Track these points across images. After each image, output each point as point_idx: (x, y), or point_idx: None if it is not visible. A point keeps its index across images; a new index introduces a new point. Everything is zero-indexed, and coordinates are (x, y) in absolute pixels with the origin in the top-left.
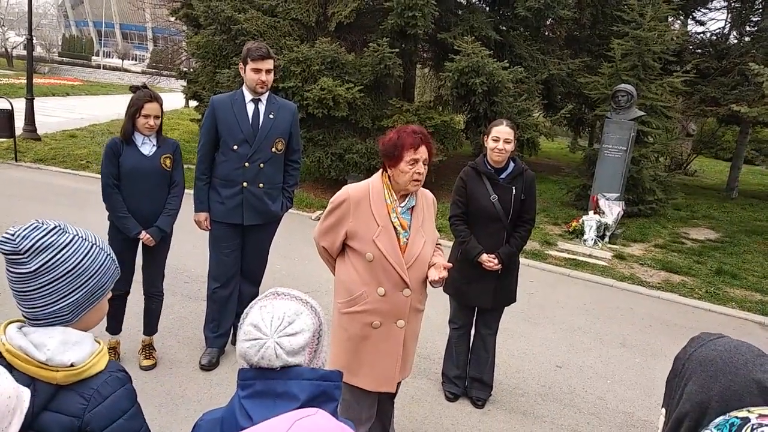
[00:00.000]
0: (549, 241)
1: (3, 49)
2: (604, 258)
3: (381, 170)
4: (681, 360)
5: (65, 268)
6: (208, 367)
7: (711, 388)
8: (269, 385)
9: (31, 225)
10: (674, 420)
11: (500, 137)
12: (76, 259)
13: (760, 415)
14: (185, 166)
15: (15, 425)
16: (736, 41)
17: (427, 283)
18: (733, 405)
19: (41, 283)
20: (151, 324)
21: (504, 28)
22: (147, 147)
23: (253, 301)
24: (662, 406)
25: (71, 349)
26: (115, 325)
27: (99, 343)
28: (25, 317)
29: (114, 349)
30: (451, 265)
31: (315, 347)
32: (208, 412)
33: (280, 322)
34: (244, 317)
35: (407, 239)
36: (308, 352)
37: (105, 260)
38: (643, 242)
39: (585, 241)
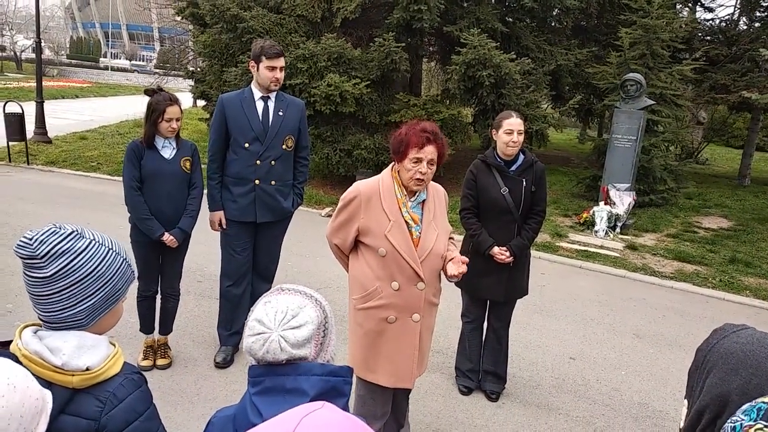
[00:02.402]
0: (560, 233)
1: (12, 53)
2: (616, 249)
3: (391, 165)
4: (703, 352)
5: (82, 273)
6: (223, 364)
7: (731, 381)
8: (278, 381)
9: (49, 229)
10: (695, 413)
11: (513, 129)
12: (93, 264)
13: None
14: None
15: (42, 426)
16: (745, 27)
17: (442, 276)
18: (754, 398)
19: (58, 287)
20: (166, 323)
21: (510, 19)
22: (168, 150)
23: (259, 299)
24: (684, 398)
25: (87, 353)
26: (147, 325)
27: (114, 345)
28: (41, 320)
29: (150, 347)
30: (467, 259)
31: (321, 340)
32: (221, 410)
33: (283, 315)
34: (249, 314)
35: (419, 233)
36: (314, 345)
37: (121, 265)
38: (655, 232)
39: (596, 232)
